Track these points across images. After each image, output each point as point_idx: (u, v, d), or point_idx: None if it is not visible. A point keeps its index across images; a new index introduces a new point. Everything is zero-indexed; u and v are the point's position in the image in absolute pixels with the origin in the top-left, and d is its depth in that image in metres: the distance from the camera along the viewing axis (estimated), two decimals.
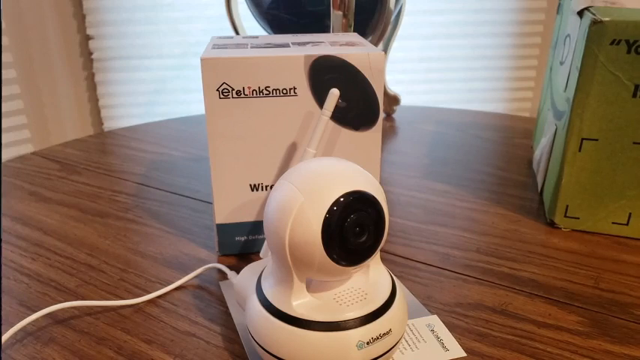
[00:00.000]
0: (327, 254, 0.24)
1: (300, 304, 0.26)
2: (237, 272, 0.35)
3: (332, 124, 0.37)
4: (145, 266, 0.39)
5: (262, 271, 0.29)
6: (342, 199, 0.24)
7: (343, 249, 0.24)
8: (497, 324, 0.32)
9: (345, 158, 0.38)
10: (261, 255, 0.35)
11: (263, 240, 0.40)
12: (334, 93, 0.31)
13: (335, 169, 0.26)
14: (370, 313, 0.25)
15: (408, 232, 0.44)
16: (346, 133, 0.37)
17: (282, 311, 0.26)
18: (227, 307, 0.35)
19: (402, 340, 0.30)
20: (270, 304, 0.26)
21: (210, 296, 0.36)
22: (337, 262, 0.24)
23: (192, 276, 0.36)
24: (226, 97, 0.35)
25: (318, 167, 0.26)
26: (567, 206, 0.43)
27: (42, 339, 0.32)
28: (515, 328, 0.32)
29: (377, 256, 0.29)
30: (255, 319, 0.27)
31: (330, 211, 0.24)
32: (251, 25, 0.71)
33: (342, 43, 0.39)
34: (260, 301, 0.27)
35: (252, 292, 0.28)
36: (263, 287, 0.28)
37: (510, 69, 1.34)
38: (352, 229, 0.24)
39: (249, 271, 0.31)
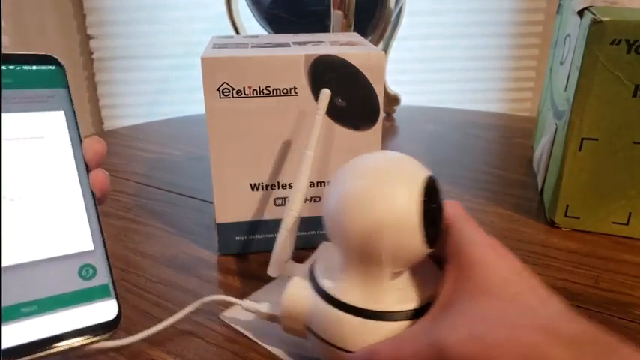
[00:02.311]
0: (425, 237, 0.25)
1: (392, 297, 0.26)
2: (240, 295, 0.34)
3: (332, 123, 0.37)
4: (145, 266, 0.39)
5: (312, 286, 0.28)
6: (429, 183, 0.25)
7: (436, 230, 0.26)
8: None
9: (345, 158, 0.38)
10: (271, 273, 0.31)
11: (263, 240, 0.40)
12: (326, 93, 0.32)
13: (394, 157, 0.27)
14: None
15: None
16: (346, 133, 0.37)
17: (382, 311, 0.26)
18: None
19: None
20: (363, 309, 0.26)
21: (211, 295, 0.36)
22: (430, 245, 0.25)
23: (189, 310, 0.32)
24: (227, 96, 0.35)
25: (377, 159, 0.27)
26: (567, 206, 0.43)
27: None
28: None
29: None
30: (349, 331, 0.26)
31: (425, 194, 0.25)
32: (251, 25, 0.71)
33: (342, 43, 0.39)
34: (347, 310, 0.26)
35: (322, 309, 0.27)
36: (336, 295, 0.26)
37: (510, 69, 1.34)
38: (440, 210, 0.26)
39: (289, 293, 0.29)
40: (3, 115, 0.25)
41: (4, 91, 0.26)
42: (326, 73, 0.36)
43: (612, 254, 0.40)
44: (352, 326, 0.26)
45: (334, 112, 0.37)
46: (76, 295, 0.24)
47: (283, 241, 0.31)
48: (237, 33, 0.71)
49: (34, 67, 0.27)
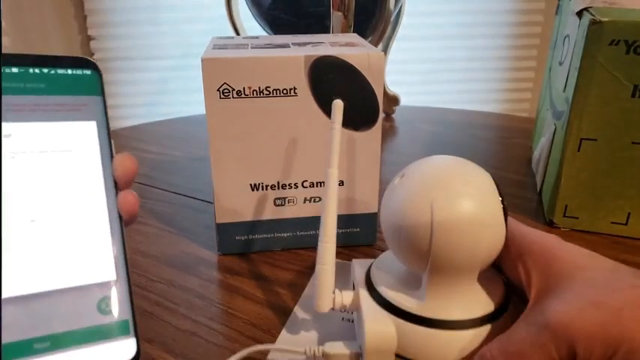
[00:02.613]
0: (505, 234, 0.26)
1: (475, 303, 0.26)
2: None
3: (329, 126, 0.37)
4: (146, 266, 0.39)
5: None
6: (495, 181, 0.27)
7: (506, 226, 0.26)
8: None
9: (345, 158, 0.38)
10: (321, 309, 0.29)
11: (263, 239, 0.40)
12: (338, 104, 0.30)
13: (451, 160, 0.27)
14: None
15: None
16: (346, 133, 0.37)
17: (474, 318, 0.26)
18: (229, 307, 0.35)
19: None
20: (458, 320, 0.25)
21: (211, 295, 0.36)
22: (504, 242, 0.26)
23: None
24: (227, 97, 0.35)
25: (440, 165, 0.27)
26: (566, 206, 0.44)
27: None
28: None
29: None
30: (450, 345, 0.25)
31: (501, 194, 0.26)
32: (251, 26, 0.71)
33: (342, 44, 0.39)
34: (441, 326, 0.25)
35: (411, 333, 0.26)
36: (426, 314, 0.26)
37: (509, 70, 1.34)
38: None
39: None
40: (32, 123, 0.23)
41: (35, 97, 0.23)
42: (326, 73, 0.36)
43: (611, 254, 0.40)
44: (452, 340, 0.25)
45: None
46: (93, 332, 0.22)
47: (327, 275, 0.28)
48: (238, 34, 0.72)
49: (70, 72, 0.25)
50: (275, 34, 0.67)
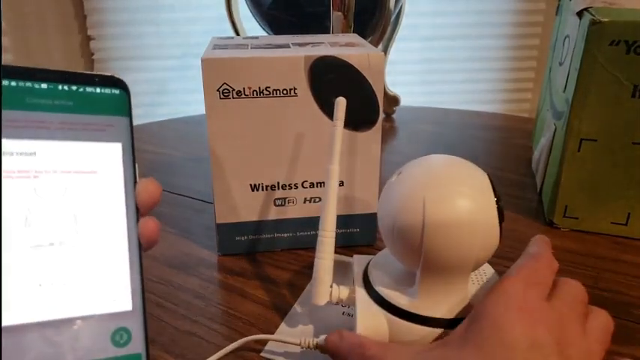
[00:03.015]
0: (500, 235, 0.26)
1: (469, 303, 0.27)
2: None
3: (332, 124, 0.37)
4: (146, 266, 0.39)
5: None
6: (491, 181, 0.27)
7: (501, 227, 0.26)
8: None
9: (345, 158, 0.38)
10: (318, 302, 0.29)
11: (263, 240, 0.40)
12: (341, 102, 0.30)
13: (449, 159, 0.28)
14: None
15: None
16: (346, 133, 0.37)
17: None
18: (229, 308, 0.35)
19: None
20: (451, 319, 0.26)
21: (211, 295, 0.36)
22: (499, 242, 0.26)
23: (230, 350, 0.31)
24: (227, 97, 0.35)
25: (436, 164, 0.27)
26: (566, 206, 0.44)
27: None
28: None
29: None
30: None
31: (496, 194, 0.27)
32: (251, 26, 0.71)
33: (342, 44, 0.39)
34: (433, 324, 0.26)
35: (405, 330, 0.27)
36: (420, 312, 0.26)
37: (509, 70, 1.34)
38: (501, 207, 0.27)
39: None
40: (57, 142, 0.22)
41: (62, 115, 0.22)
42: (326, 73, 0.36)
43: (611, 254, 0.41)
44: (440, 338, 0.26)
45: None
46: None
47: (325, 268, 0.29)
48: (238, 34, 0.72)
49: (98, 90, 0.24)
50: (275, 34, 0.67)
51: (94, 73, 0.24)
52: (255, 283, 0.37)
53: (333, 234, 0.29)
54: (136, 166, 0.24)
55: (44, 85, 0.22)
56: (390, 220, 0.26)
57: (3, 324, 0.20)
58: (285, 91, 0.36)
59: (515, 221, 0.46)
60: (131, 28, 1.26)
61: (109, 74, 0.24)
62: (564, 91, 0.43)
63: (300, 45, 0.39)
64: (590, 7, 0.40)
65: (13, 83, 0.22)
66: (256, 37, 0.43)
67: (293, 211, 0.39)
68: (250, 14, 0.68)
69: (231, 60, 0.35)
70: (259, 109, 0.36)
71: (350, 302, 0.29)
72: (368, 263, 0.31)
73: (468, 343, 0.22)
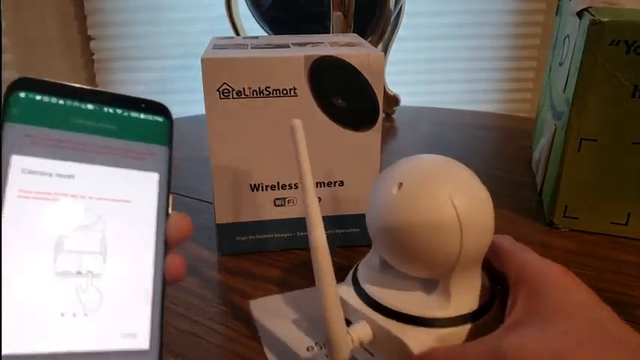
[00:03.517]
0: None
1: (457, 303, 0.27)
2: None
3: (332, 124, 0.37)
4: None
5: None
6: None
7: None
8: None
9: (345, 158, 0.38)
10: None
11: (263, 240, 0.40)
12: (297, 124, 0.27)
13: (439, 159, 0.28)
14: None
15: None
16: (346, 133, 0.37)
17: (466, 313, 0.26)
18: (228, 308, 0.35)
19: None
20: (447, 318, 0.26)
21: (211, 295, 0.36)
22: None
23: None
24: (227, 97, 0.35)
25: (426, 164, 0.27)
26: (566, 206, 0.44)
27: None
28: None
29: None
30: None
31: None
32: (251, 26, 0.71)
33: (341, 44, 0.39)
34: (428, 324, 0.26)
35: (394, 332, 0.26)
36: (413, 313, 0.26)
37: (509, 70, 1.34)
38: None
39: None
40: (96, 167, 0.22)
41: (105, 139, 0.22)
42: (325, 73, 0.36)
43: (611, 254, 0.40)
44: (429, 337, 0.25)
45: (334, 113, 0.37)
46: None
47: (338, 323, 0.25)
48: (237, 34, 0.72)
49: (142, 116, 0.23)
50: (275, 34, 0.67)
51: (141, 97, 0.23)
52: (255, 283, 0.37)
53: (334, 281, 0.26)
54: (171, 197, 0.23)
55: (90, 106, 0.22)
56: (413, 230, 0.25)
57: (19, 352, 0.19)
58: (285, 91, 0.36)
59: (516, 221, 0.46)
60: (131, 28, 1.26)
61: (156, 100, 0.24)
62: (564, 91, 0.43)
63: (300, 45, 0.39)
64: (590, 7, 0.40)
65: (61, 101, 0.21)
66: (256, 37, 0.43)
67: (293, 211, 0.39)
68: (250, 14, 0.68)
69: (231, 60, 0.35)
70: (259, 109, 0.36)
71: (369, 338, 0.27)
72: (357, 265, 0.31)
73: (548, 317, 0.22)
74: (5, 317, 0.19)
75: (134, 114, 0.23)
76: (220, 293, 0.36)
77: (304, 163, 0.26)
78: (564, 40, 0.47)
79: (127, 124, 0.23)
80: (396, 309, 0.26)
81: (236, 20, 0.71)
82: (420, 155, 0.28)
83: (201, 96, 0.35)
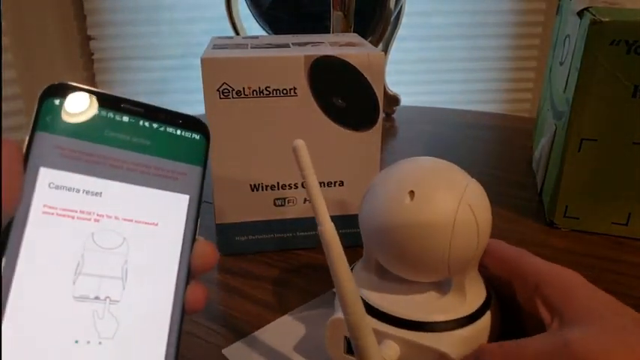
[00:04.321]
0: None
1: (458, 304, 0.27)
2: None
3: (332, 124, 0.37)
4: None
5: None
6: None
7: None
8: None
9: (345, 158, 0.38)
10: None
11: (263, 240, 0.40)
12: (300, 145, 0.26)
13: (438, 165, 0.28)
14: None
15: None
16: (346, 133, 0.37)
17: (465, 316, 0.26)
18: (228, 308, 0.35)
19: None
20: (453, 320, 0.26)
21: (211, 295, 0.36)
22: None
23: None
24: (226, 97, 0.35)
25: (422, 167, 0.27)
26: (567, 206, 0.43)
27: None
28: None
29: None
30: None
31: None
32: (251, 26, 0.71)
33: (342, 44, 0.39)
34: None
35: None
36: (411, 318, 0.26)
37: (509, 70, 1.34)
38: None
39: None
40: (125, 185, 0.20)
41: (137, 155, 0.20)
42: (326, 73, 0.36)
43: (612, 254, 0.40)
44: (428, 341, 0.25)
45: (334, 113, 0.37)
46: None
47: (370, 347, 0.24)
48: (237, 34, 0.72)
49: (179, 132, 0.22)
50: (275, 34, 0.67)
51: (178, 112, 0.22)
52: (255, 283, 0.37)
53: (363, 309, 0.24)
54: (199, 222, 0.22)
55: (126, 119, 0.20)
56: (437, 238, 0.25)
57: None
58: (285, 91, 0.36)
59: (516, 221, 0.46)
60: (131, 28, 1.26)
61: (194, 116, 0.22)
62: (565, 91, 0.43)
63: (300, 45, 0.39)
64: (591, 7, 0.40)
65: (95, 111, 0.20)
66: (256, 37, 0.43)
67: (293, 211, 0.39)
68: (250, 14, 0.68)
69: (231, 60, 0.35)
70: (259, 109, 0.36)
71: (397, 356, 0.26)
72: (352, 268, 0.30)
73: (598, 315, 0.22)
74: (17, 340, 0.17)
75: (170, 129, 0.21)
76: (220, 293, 0.36)
77: (313, 184, 0.25)
78: (565, 39, 0.47)
79: (162, 140, 0.21)
80: (416, 319, 0.26)
81: (236, 20, 0.71)
82: (417, 159, 0.28)
83: (201, 96, 0.35)
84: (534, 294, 0.25)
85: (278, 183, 0.38)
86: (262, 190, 0.38)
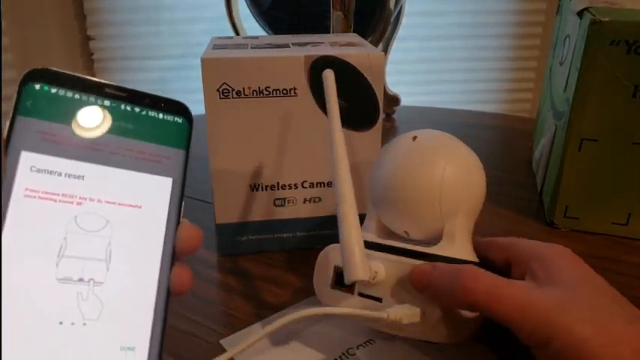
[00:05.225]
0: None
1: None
2: None
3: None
4: None
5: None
6: None
7: None
8: None
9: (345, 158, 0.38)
10: (361, 276, 0.25)
11: (263, 240, 0.40)
12: (329, 74, 0.31)
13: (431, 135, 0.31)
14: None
15: None
16: (346, 133, 0.37)
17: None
18: (228, 308, 0.35)
19: None
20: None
21: (211, 295, 0.36)
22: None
23: None
24: (226, 97, 0.35)
25: (430, 141, 0.30)
26: (567, 206, 0.43)
27: None
28: None
29: None
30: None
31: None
32: (251, 26, 0.71)
33: (342, 44, 0.39)
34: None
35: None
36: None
37: (510, 70, 1.34)
38: None
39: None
40: (108, 168, 0.20)
41: (119, 139, 0.21)
42: None
43: (611, 254, 0.40)
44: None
45: None
46: None
47: (357, 231, 0.26)
48: (237, 34, 0.72)
49: (161, 116, 0.22)
50: (275, 34, 0.67)
51: (160, 95, 0.22)
52: (255, 283, 0.37)
53: (354, 204, 0.27)
54: (183, 204, 0.22)
55: (107, 102, 0.21)
56: (434, 178, 0.28)
57: None
58: (285, 91, 0.36)
59: (516, 221, 0.46)
60: (131, 28, 1.26)
61: (176, 100, 0.22)
62: (565, 91, 0.43)
63: (300, 45, 0.39)
64: (591, 7, 0.40)
65: (76, 96, 0.20)
66: (256, 37, 0.43)
67: (292, 212, 0.39)
68: (250, 14, 0.68)
69: (231, 60, 0.35)
70: (259, 109, 0.36)
71: (382, 276, 0.27)
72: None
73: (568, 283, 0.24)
74: (2, 322, 0.18)
75: (152, 113, 0.22)
76: (220, 293, 0.36)
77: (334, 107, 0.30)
78: (565, 40, 0.47)
79: (144, 123, 0.21)
80: (406, 247, 0.28)
81: (236, 20, 0.71)
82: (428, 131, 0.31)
83: (201, 96, 0.35)
84: (526, 270, 0.26)
85: (278, 183, 0.38)
86: (262, 190, 0.38)
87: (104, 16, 1.25)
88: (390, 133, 0.70)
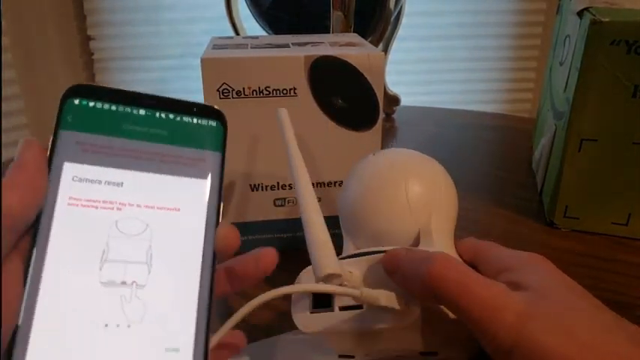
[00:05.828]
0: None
1: None
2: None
3: (332, 124, 0.37)
4: None
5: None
6: None
7: None
8: None
9: (345, 158, 0.38)
10: (326, 270, 0.26)
11: (263, 240, 0.40)
12: (283, 113, 0.30)
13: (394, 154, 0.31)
14: None
15: None
16: (346, 133, 0.37)
17: None
18: (228, 308, 0.35)
19: None
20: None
21: None
22: None
23: None
24: (226, 97, 0.35)
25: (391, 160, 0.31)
26: (567, 206, 0.43)
27: None
28: None
29: None
30: None
31: None
32: (251, 26, 0.71)
33: (342, 44, 0.39)
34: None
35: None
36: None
37: (510, 70, 1.34)
38: None
39: None
40: (145, 174, 0.21)
41: (155, 145, 0.22)
42: (325, 73, 0.36)
43: (612, 254, 0.40)
44: None
45: (334, 113, 0.37)
46: None
47: (322, 226, 0.26)
48: (237, 34, 0.72)
49: (195, 121, 0.22)
50: (275, 34, 0.67)
51: (193, 101, 0.22)
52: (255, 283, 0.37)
53: (318, 209, 0.26)
54: (222, 206, 0.23)
55: (142, 112, 0.22)
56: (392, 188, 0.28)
57: None
58: (285, 91, 0.36)
59: (516, 221, 0.46)
60: (131, 28, 1.26)
61: (209, 105, 0.23)
62: (565, 91, 0.43)
63: (300, 45, 0.39)
64: (591, 7, 0.40)
65: (113, 107, 0.21)
66: (256, 37, 0.43)
67: (293, 211, 0.39)
68: (250, 14, 0.68)
69: (231, 60, 0.35)
70: (259, 109, 0.36)
71: (359, 280, 0.26)
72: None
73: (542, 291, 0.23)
74: (49, 326, 0.18)
75: (186, 118, 0.22)
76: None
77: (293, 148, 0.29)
78: (565, 40, 0.47)
79: (178, 129, 0.22)
80: (381, 249, 0.25)
81: (236, 20, 0.71)
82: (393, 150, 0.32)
83: (201, 96, 0.35)
84: (496, 278, 0.25)
85: (278, 183, 0.38)
86: (262, 190, 0.38)
87: (104, 16, 1.25)
88: (390, 133, 0.70)
